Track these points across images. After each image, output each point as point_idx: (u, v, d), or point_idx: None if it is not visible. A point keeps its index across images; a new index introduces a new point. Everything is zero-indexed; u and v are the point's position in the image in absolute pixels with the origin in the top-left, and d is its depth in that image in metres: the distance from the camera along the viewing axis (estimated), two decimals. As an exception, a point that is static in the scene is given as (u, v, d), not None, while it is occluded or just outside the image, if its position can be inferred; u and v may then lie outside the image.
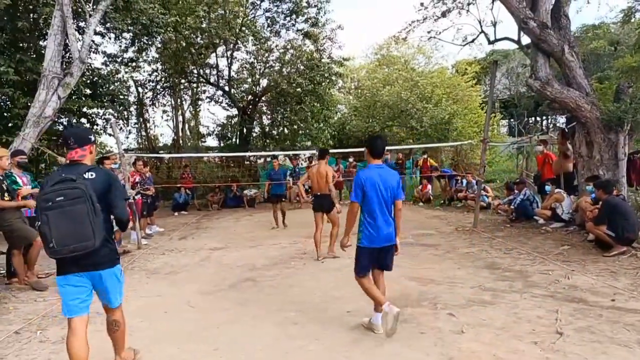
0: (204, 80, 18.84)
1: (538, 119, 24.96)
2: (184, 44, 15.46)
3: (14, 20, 9.36)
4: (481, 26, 10.77)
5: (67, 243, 2.70)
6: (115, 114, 13.74)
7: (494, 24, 10.71)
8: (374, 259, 3.89)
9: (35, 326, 4.30)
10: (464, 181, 12.83)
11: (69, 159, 2.99)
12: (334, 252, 6.76)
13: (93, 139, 3.13)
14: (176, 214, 13.82)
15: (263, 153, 17.81)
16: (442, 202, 13.36)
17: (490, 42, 10.56)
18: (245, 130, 18.25)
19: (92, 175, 2.90)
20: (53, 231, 2.67)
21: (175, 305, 4.88)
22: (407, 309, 4.38)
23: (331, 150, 16.93)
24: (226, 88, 18.08)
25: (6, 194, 5.46)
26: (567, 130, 8.83)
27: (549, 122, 24.28)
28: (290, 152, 17.01)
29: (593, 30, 17.71)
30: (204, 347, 3.69)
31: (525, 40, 8.94)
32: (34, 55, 10.19)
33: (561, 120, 18.27)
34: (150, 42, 14.85)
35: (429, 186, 14.02)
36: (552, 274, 5.36)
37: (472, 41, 11.73)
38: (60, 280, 2.90)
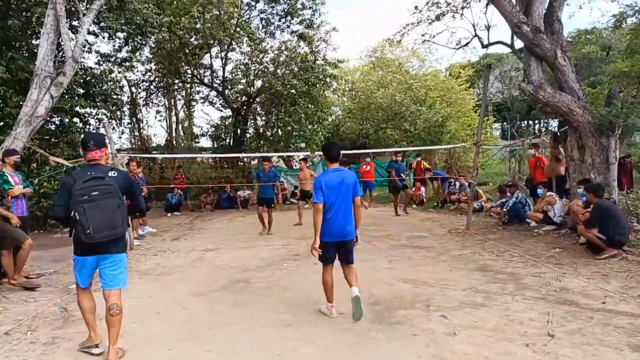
0: (198, 81, 18.78)
1: (531, 122, 25.13)
2: (178, 44, 15.41)
3: (5, 19, 9.28)
4: (475, 30, 10.84)
5: (101, 230, 3.23)
6: (108, 114, 13.62)
7: (488, 28, 10.78)
8: (336, 251, 4.30)
9: (25, 327, 4.25)
10: (457, 184, 12.90)
11: (89, 159, 3.50)
12: None
13: (107, 142, 3.74)
14: (169, 214, 13.75)
15: (257, 154, 17.79)
16: (435, 204, 13.41)
17: (483, 46, 10.63)
18: (239, 131, 18.20)
19: (114, 174, 3.44)
20: (90, 220, 3.20)
21: (167, 306, 4.85)
22: (400, 311, 4.40)
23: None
24: (220, 89, 18.04)
25: None
26: (559, 134, 8.91)
27: (542, 125, 24.44)
28: (284, 154, 16.99)
29: (585, 35, 17.85)
30: (196, 348, 3.68)
31: (519, 44, 9.02)
32: (27, 54, 10.10)
33: (553, 124, 18.41)
34: (144, 42, 14.78)
35: (422, 188, 14.07)
36: (543, 277, 5.40)
37: (466, 44, 11.79)
38: (78, 259, 3.47)
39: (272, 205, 10.02)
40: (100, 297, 3.59)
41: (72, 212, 3.25)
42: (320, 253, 4.23)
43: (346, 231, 4.22)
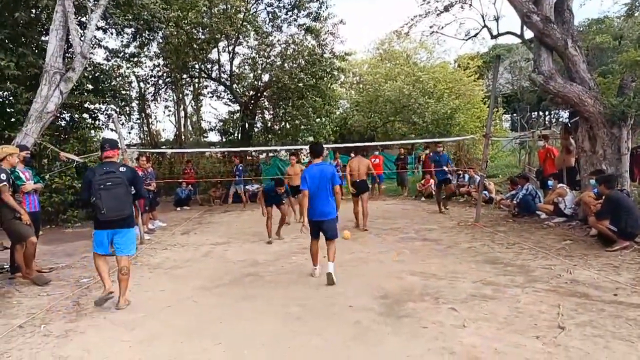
0: (205, 76, 18.81)
1: (541, 113, 24.85)
2: (185, 39, 15.42)
3: (13, 13, 9.33)
4: (484, 20, 10.76)
5: (112, 211, 4.36)
6: (117, 109, 13.70)
7: (497, 19, 10.70)
8: (319, 228, 5.42)
9: (39, 320, 4.32)
10: (467, 176, 12.82)
11: (105, 156, 4.59)
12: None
13: (119, 145, 5.23)
14: (178, 209, 13.86)
15: (265, 148, 17.81)
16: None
17: (493, 37, 10.54)
18: (247, 125, 18.23)
19: (123, 169, 4.58)
20: (104, 203, 4.32)
21: (177, 299, 4.89)
22: (409, 304, 4.39)
23: (333, 145, 16.96)
24: (228, 83, 18.05)
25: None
26: (569, 125, 8.80)
27: (552, 116, 24.16)
28: (292, 147, 16.99)
29: (596, 25, 17.58)
30: (206, 341, 3.71)
31: (529, 34, 8.93)
32: (36, 51, 10.17)
33: (564, 115, 18.20)
34: (151, 37, 14.82)
35: (432, 181, 13.98)
36: (554, 269, 5.36)
37: (475, 35, 11.71)
38: (97, 232, 4.56)
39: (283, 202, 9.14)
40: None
41: (92, 198, 4.33)
42: (309, 229, 5.38)
43: (326, 212, 5.33)
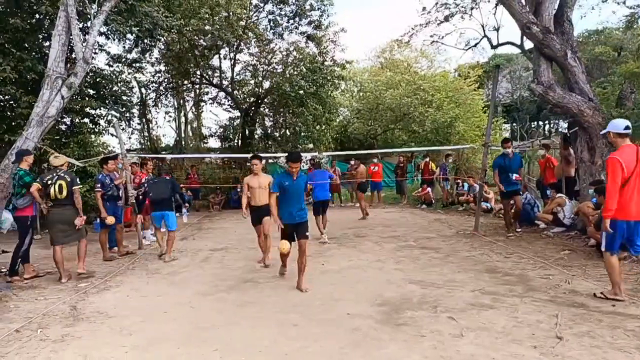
0: (206, 82, 18.88)
1: (540, 123, 24.94)
2: (187, 46, 15.51)
3: (12, 18, 9.37)
4: (484, 30, 10.83)
5: (159, 197, 7.28)
6: (118, 115, 13.72)
7: (497, 29, 10.77)
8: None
9: (35, 324, 4.31)
10: (466, 185, 12.83)
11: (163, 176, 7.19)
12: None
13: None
14: (177, 214, 13.81)
15: (265, 155, 17.82)
16: (442, 205, 13.36)
17: (493, 47, 10.61)
18: (247, 132, 18.27)
19: (168, 177, 7.65)
20: (153, 193, 7.36)
21: (175, 305, 4.88)
22: (407, 312, 4.38)
23: (332, 153, 17.00)
24: (229, 90, 18.12)
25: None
26: (568, 135, 8.83)
27: (552, 126, 24.25)
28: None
29: (596, 36, 17.71)
30: (203, 347, 3.70)
31: (528, 44, 8.98)
32: (38, 55, 10.21)
33: (563, 125, 18.27)
34: (153, 44, 14.88)
35: (428, 189, 13.99)
36: (552, 279, 5.36)
37: (475, 45, 11.80)
38: (154, 213, 7.38)
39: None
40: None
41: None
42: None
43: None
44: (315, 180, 8.81)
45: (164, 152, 19.91)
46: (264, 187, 6.57)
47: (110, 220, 7.12)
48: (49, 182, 5.88)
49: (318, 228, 8.57)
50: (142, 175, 9.13)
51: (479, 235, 8.49)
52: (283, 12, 16.49)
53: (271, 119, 19.75)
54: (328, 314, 4.43)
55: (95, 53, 12.40)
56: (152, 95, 19.42)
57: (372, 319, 4.22)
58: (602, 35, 17.26)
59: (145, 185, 8.02)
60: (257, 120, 19.04)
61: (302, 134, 17.69)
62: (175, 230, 7.45)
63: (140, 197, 8.60)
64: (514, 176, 8.17)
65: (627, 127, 4.54)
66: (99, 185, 7.24)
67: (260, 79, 17.57)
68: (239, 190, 15.15)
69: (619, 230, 4.42)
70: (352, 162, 15.29)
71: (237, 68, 18.02)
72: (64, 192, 5.90)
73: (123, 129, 16.13)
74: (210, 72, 18.32)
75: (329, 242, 8.30)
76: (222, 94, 19.07)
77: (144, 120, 19.87)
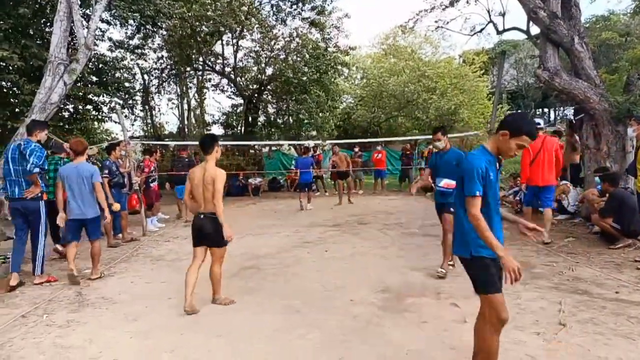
0: (209, 69, 18.77)
1: (546, 110, 24.73)
2: (189, 32, 15.38)
3: (17, 6, 9.32)
4: (490, 16, 10.68)
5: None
6: (121, 102, 13.70)
7: (503, 14, 10.61)
8: None
9: (41, 310, 4.35)
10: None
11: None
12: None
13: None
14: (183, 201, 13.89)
15: (268, 142, 17.80)
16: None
17: (498, 32, 10.47)
18: (250, 119, 18.21)
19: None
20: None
21: (178, 291, 4.88)
22: (409, 299, 4.39)
23: (336, 141, 16.95)
24: (231, 76, 18.01)
25: None
26: (574, 122, 8.75)
27: (557, 113, 24.05)
28: (295, 142, 16.98)
29: (603, 21, 17.45)
30: (206, 333, 3.72)
31: (535, 30, 8.87)
32: (40, 42, 10.17)
33: (569, 111, 18.12)
34: (155, 30, 14.79)
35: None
36: (556, 266, 5.35)
37: (480, 31, 11.66)
38: (178, 187, 7.72)
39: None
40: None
41: None
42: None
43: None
44: (300, 167, 11.49)
45: (167, 139, 19.91)
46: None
47: (116, 207, 7.13)
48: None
49: (300, 202, 11.16)
50: (151, 163, 9.15)
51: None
52: (286, -3, 16.32)
53: (274, 106, 19.65)
54: (330, 300, 4.45)
55: (98, 38, 12.35)
56: (155, 82, 19.40)
57: (374, 305, 4.23)
58: (609, 21, 17.01)
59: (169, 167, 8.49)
60: (260, 107, 18.96)
61: (305, 121, 17.61)
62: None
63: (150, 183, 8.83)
64: (443, 182, 5.40)
65: None
66: (106, 172, 7.25)
67: (263, 65, 17.44)
68: (240, 178, 15.18)
69: None
70: (356, 149, 15.25)
71: (240, 54, 17.92)
72: None
73: (126, 116, 16.12)
74: (212, 59, 18.20)
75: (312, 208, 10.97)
76: (224, 80, 18.98)
77: (146, 107, 19.85)
